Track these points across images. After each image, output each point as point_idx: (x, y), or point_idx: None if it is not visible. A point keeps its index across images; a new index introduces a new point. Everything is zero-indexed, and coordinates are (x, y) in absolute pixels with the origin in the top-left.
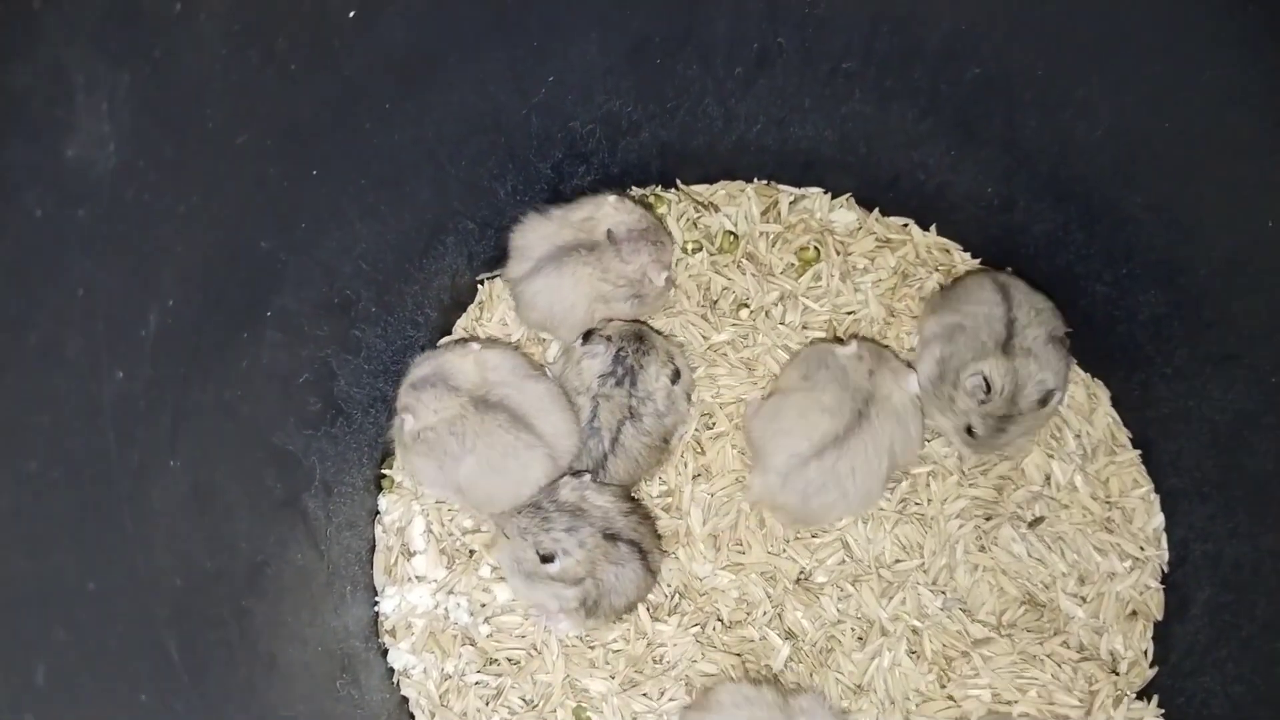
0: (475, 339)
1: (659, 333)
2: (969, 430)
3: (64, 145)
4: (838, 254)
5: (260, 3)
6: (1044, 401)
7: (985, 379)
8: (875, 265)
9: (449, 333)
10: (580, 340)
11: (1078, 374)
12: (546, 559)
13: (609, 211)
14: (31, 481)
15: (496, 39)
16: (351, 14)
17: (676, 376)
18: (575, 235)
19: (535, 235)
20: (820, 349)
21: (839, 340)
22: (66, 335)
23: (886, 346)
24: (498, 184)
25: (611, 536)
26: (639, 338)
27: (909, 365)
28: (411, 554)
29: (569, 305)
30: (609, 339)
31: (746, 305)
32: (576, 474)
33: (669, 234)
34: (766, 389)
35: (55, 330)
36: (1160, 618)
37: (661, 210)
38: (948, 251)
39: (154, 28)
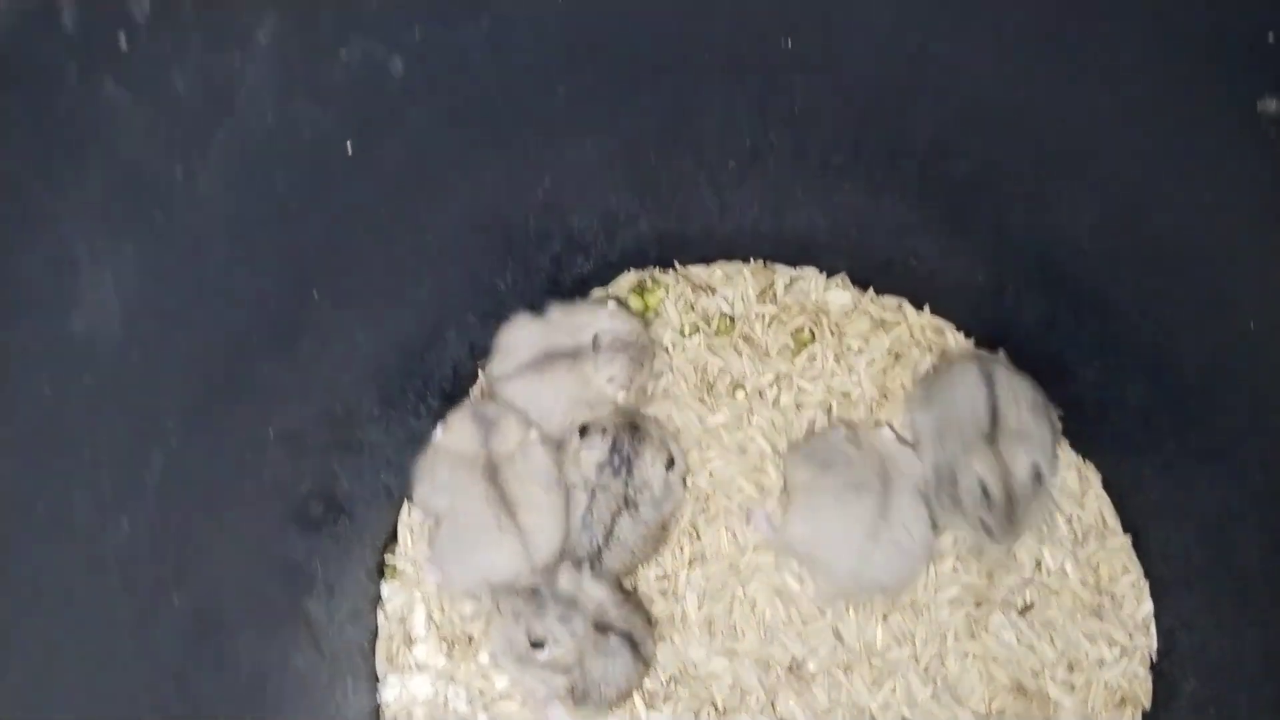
0: (539, 431)
1: (653, 419)
2: (987, 530)
3: (71, 321)
4: (832, 335)
5: (260, 151)
6: (1037, 479)
7: (982, 486)
8: (869, 346)
9: None
10: (578, 435)
11: (1069, 456)
12: (536, 644)
13: (602, 317)
14: (38, 643)
15: (492, 153)
16: (350, 148)
17: (671, 463)
18: (562, 340)
19: (522, 335)
20: (817, 445)
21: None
22: (74, 499)
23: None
24: (498, 278)
25: (603, 628)
26: (634, 427)
27: (898, 438)
28: (413, 641)
29: (547, 410)
30: (604, 430)
31: (742, 387)
32: (576, 563)
33: (653, 353)
34: (770, 497)
35: (63, 496)
36: (1149, 706)
37: (659, 294)
38: (941, 332)
39: (157, 196)
